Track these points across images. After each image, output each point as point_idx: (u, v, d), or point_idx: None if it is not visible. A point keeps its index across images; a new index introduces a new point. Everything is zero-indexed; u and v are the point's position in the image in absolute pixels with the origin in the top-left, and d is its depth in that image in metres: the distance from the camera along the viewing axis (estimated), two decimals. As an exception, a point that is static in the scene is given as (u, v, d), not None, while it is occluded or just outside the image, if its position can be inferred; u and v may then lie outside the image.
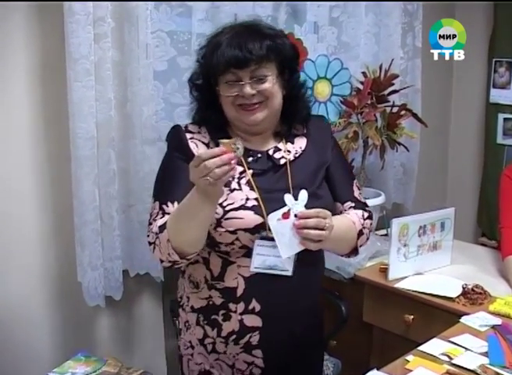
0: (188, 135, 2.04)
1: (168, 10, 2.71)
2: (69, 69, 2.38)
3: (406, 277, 2.85)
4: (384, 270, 2.90)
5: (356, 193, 2.20)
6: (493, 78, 3.90)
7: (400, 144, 3.31)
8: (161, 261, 1.94)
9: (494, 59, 3.86)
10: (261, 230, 1.93)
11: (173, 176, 1.98)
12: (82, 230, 2.53)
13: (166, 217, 1.91)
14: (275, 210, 1.89)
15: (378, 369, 2.05)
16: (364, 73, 3.25)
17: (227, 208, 1.93)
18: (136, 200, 2.70)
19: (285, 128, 2.09)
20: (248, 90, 1.92)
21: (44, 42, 2.44)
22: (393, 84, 3.25)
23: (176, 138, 2.06)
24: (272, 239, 1.91)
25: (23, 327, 2.59)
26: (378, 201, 3.24)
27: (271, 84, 1.95)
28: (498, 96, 3.91)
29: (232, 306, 2.01)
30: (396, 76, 3.27)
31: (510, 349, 2.15)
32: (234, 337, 2.03)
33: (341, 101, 3.18)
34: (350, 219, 2.12)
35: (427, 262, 2.92)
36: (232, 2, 2.83)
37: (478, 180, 4.15)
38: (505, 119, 3.89)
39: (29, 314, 2.60)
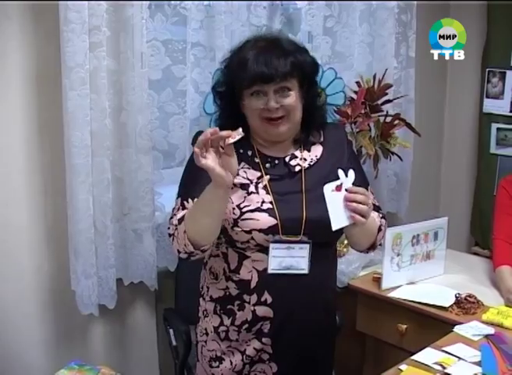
0: None
1: (163, 19, 2.72)
2: (65, 78, 2.39)
3: (399, 287, 2.87)
4: (377, 279, 2.91)
5: (371, 198, 2.25)
6: (486, 88, 3.91)
7: (393, 153, 3.32)
8: (179, 252, 2.06)
9: (487, 69, 3.87)
10: (274, 232, 2.04)
11: (195, 177, 2.08)
12: (76, 238, 2.53)
13: (185, 211, 2.04)
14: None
15: (371, 379, 2.07)
16: (357, 83, 3.26)
17: (244, 210, 2.05)
18: (130, 209, 2.70)
19: (303, 136, 2.17)
20: (273, 104, 2.01)
21: (39, 51, 2.44)
22: (387, 94, 3.27)
23: None
24: (286, 242, 2.04)
25: (17, 336, 2.58)
26: (372, 210, 3.24)
27: (293, 99, 2.04)
28: (491, 106, 3.91)
29: (246, 297, 2.11)
30: (390, 86, 3.28)
31: (503, 358, 2.17)
32: (247, 326, 2.13)
33: (335, 111, 3.18)
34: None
35: (420, 272, 2.93)
36: (228, 12, 2.83)
37: (471, 190, 4.16)
38: (498, 129, 3.90)
39: (22, 322, 2.60)
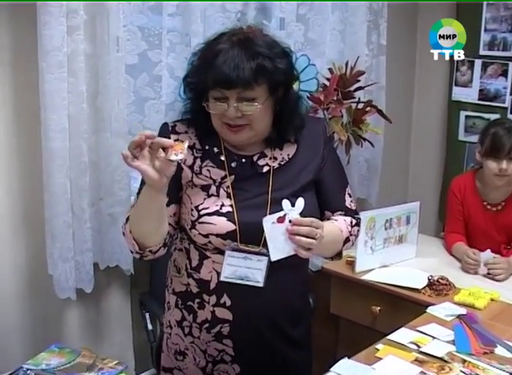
0: (173, 136, 1.96)
1: (139, 4, 2.72)
2: (42, 61, 2.38)
3: (372, 269, 2.92)
4: (351, 263, 2.96)
5: (347, 202, 2.16)
6: (455, 76, 3.98)
7: (365, 139, 3.36)
8: (131, 252, 1.98)
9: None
10: (233, 238, 1.95)
11: None
12: (53, 222, 2.53)
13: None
14: (273, 212, 1.87)
15: (348, 358, 2.10)
16: (330, 70, 3.29)
17: (201, 213, 1.96)
18: (106, 193, 2.71)
19: (275, 134, 2.01)
20: (232, 113, 1.87)
21: (16, 33, 2.42)
22: (359, 81, 3.30)
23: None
24: (243, 251, 1.95)
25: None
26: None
27: (257, 109, 1.88)
28: (460, 94, 3.98)
29: (206, 297, 2.04)
30: (362, 73, 3.32)
31: (476, 337, 2.22)
32: (207, 325, 2.06)
33: (308, 97, 3.20)
34: (338, 227, 2.08)
35: (393, 255, 2.99)
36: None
37: (439, 177, 4.22)
38: (466, 117, 3.97)
39: (-1, 307, 2.60)
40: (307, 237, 1.82)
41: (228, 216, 1.95)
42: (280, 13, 3.19)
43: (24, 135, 2.53)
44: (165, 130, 2.01)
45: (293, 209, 1.85)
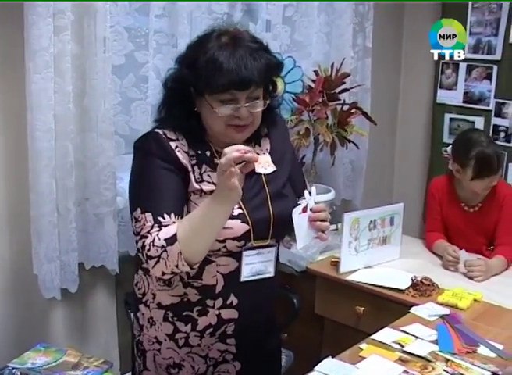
0: (172, 144, 1.98)
1: (126, 5, 2.73)
2: (29, 61, 2.38)
3: (356, 270, 2.94)
4: (335, 263, 2.98)
5: (308, 187, 2.27)
6: (440, 79, 4.01)
7: (350, 141, 3.38)
8: (163, 273, 1.91)
9: (441, 61, 3.96)
10: (247, 239, 1.99)
11: (164, 187, 1.94)
12: (39, 222, 2.52)
13: (169, 229, 1.87)
14: (296, 205, 1.99)
15: (332, 358, 2.12)
16: (315, 72, 3.31)
17: None
18: (92, 193, 2.71)
19: (254, 132, 2.05)
20: (245, 113, 1.90)
21: (3, 33, 2.42)
22: (344, 83, 3.32)
23: (161, 148, 1.97)
24: (256, 247, 2.02)
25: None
26: (329, 197, 3.30)
27: (261, 107, 1.95)
28: (444, 97, 4.01)
29: (209, 302, 2.04)
30: (348, 75, 3.34)
31: (459, 337, 2.25)
32: (211, 330, 2.06)
33: (293, 99, 3.24)
34: None
35: (377, 256, 3.01)
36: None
37: (424, 178, 4.24)
38: (451, 119, 4.00)
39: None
40: (324, 221, 2.00)
41: (241, 217, 1.98)
42: (266, 15, 3.23)
43: (10, 135, 2.52)
44: (162, 139, 1.98)
45: (310, 198, 2.00)
